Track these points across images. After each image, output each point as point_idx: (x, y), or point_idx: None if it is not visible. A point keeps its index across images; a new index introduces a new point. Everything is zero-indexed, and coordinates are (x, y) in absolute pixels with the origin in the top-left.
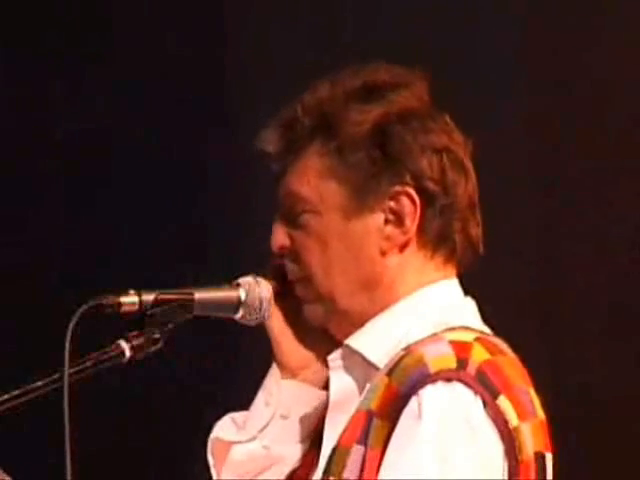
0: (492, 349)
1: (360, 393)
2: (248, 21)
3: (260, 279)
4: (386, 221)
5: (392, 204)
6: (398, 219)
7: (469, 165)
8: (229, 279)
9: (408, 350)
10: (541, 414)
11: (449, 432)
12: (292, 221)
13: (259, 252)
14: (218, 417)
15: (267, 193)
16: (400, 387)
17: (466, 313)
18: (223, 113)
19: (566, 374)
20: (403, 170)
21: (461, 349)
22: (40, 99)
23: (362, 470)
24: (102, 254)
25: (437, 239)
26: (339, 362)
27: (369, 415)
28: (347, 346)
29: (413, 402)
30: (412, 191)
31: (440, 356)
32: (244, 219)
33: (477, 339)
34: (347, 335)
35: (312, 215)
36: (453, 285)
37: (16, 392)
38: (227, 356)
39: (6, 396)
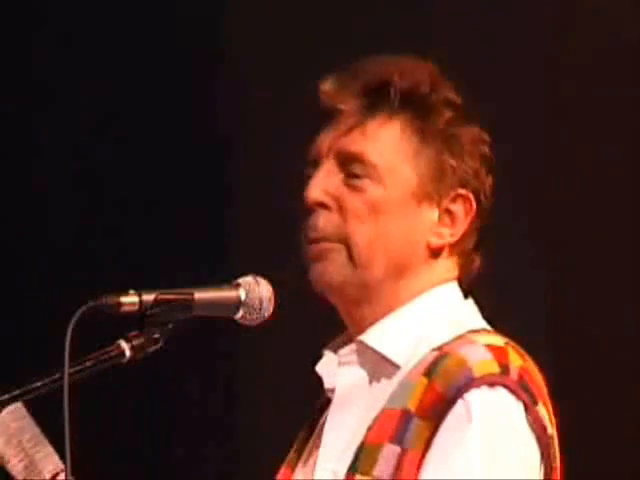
0: (521, 354)
1: (371, 389)
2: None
3: (260, 279)
4: (440, 218)
5: (452, 204)
6: (451, 220)
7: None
8: (229, 279)
9: (442, 351)
10: (554, 419)
11: (496, 436)
12: (347, 179)
13: (259, 252)
14: (218, 417)
15: (266, 192)
16: (444, 390)
17: (475, 314)
18: (217, 115)
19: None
20: (470, 176)
21: (499, 354)
22: (36, 96)
23: (398, 470)
24: (102, 254)
25: (466, 251)
26: (350, 357)
27: (405, 415)
28: (360, 342)
29: (460, 406)
30: (473, 198)
31: (483, 361)
32: (244, 219)
33: (507, 343)
34: (357, 313)
35: (375, 183)
36: (455, 287)
37: (16, 392)
38: (227, 357)
39: (6, 396)
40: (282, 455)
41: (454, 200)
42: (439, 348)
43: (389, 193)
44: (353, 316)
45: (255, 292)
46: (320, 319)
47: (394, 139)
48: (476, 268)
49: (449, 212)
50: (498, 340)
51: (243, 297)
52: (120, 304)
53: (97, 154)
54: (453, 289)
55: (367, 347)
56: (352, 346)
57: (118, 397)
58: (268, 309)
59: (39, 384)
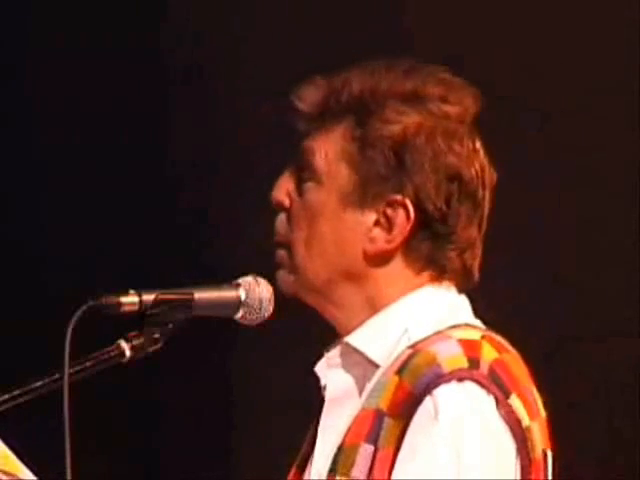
0: (498, 347)
1: (359, 391)
2: None
3: (260, 279)
4: (376, 223)
5: (388, 210)
6: (388, 225)
7: (482, 199)
8: (229, 279)
9: (416, 349)
10: (543, 412)
11: (465, 432)
12: (298, 183)
13: (259, 252)
14: (218, 417)
15: (266, 193)
16: (413, 387)
17: (462, 309)
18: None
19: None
20: (408, 183)
21: (471, 348)
22: (31, 92)
23: (372, 469)
24: (102, 254)
25: (425, 261)
26: (337, 359)
27: (378, 414)
28: (347, 344)
29: (428, 402)
30: (410, 206)
31: (452, 356)
32: (244, 219)
33: (484, 337)
34: (330, 314)
35: (315, 186)
36: (449, 287)
37: (16, 392)
38: (226, 357)
39: (6, 396)
40: (281, 454)
41: (391, 205)
42: (413, 345)
43: (327, 196)
44: (331, 319)
45: (255, 292)
46: (319, 319)
47: (336, 144)
48: (464, 275)
49: (387, 216)
50: (474, 334)
51: (243, 297)
52: (120, 304)
53: (95, 153)
54: (444, 286)
55: (350, 348)
56: (338, 348)
57: (117, 397)
58: (268, 309)
59: (39, 384)
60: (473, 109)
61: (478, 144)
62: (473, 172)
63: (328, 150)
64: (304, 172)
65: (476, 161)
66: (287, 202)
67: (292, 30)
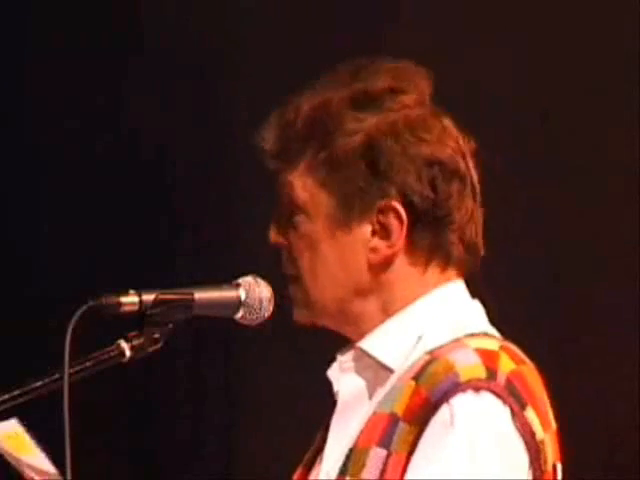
0: (515, 358)
1: (370, 395)
2: None
3: (260, 279)
4: (373, 233)
5: (380, 217)
6: (385, 232)
7: (467, 171)
8: (229, 279)
9: (433, 356)
10: (554, 424)
11: (480, 442)
12: (286, 220)
13: (259, 253)
14: (217, 417)
15: (267, 194)
16: (430, 394)
17: (478, 316)
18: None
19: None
20: (389, 185)
21: (489, 358)
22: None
23: (383, 473)
24: (102, 254)
25: (429, 252)
26: (350, 364)
27: (393, 418)
28: (359, 348)
29: (444, 410)
30: (398, 206)
31: (470, 365)
32: (244, 219)
33: (501, 347)
34: (347, 331)
35: (304, 218)
36: (460, 287)
37: (16, 392)
38: (226, 357)
39: (6, 396)
40: (281, 454)
41: (381, 212)
42: (431, 352)
43: (317, 225)
44: (349, 335)
45: (255, 292)
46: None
47: (308, 173)
48: (469, 254)
49: (381, 224)
50: (492, 344)
51: (243, 297)
52: (120, 304)
53: (95, 153)
54: (456, 289)
55: (364, 353)
56: (351, 352)
57: (117, 397)
58: (268, 309)
59: (39, 384)
60: (429, 89)
61: (446, 121)
62: (449, 150)
63: (304, 181)
64: (290, 207)
65: (449, 139)
66: (284, 240)
67: (292, 30)
